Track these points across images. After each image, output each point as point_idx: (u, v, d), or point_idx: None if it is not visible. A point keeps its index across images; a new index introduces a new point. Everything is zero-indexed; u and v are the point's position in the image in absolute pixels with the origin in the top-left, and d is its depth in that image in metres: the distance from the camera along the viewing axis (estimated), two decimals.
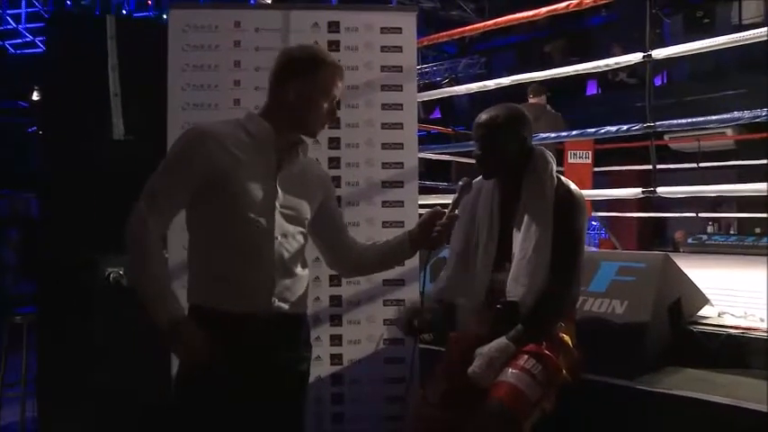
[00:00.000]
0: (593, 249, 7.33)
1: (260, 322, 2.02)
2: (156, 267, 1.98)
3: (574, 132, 4.71)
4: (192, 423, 2.02)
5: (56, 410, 3.65)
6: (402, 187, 3.48)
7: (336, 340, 3.40)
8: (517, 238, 2.54)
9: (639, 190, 3.96)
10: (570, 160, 7.70)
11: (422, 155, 5.27)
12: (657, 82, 12.24)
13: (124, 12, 11.47)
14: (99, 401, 3.49)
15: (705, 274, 4.34)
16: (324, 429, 3.35)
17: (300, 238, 2.14)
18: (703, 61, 11.07)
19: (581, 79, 13.21)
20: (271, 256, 2.04)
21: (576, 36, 14.84)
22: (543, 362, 2.35)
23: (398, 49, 3.50)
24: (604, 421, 2.73)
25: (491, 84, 4.90)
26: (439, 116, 15.62)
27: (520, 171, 2.58)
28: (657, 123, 3.85)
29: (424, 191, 4.93)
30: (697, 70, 12.21)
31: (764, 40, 3.46)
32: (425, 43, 5.65)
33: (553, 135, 4.96)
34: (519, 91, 6.26)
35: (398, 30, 3.51)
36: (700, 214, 9.32)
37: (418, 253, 2.48)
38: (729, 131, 10.19)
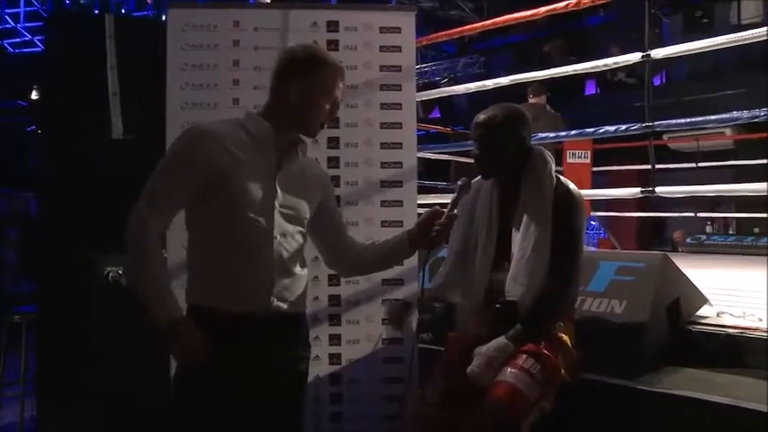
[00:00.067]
0: (593, 249, 7.34)
1: (259, 322, 2.03)
2: (156, 267, 1.98)
3: (573, 132, 4.71)
4: (191, 423, 2.02)
5: (54, 410, 3.64)
6: (401, 187, 3.48)
7: (335, 340, 3.40)
8: (516, 237, 2.54)
9: (638, 190, 3.96)
10: (569, 160, 7.70)
11: (421, 154, 5.27)
12: (656, 82, 12.23)
13: (123, 11, 11.46)
14: (98, 401, 3.48)
15: (704, 273, 4.34)
16: (322, 429, 3.35)
17: (299, 238, 2.14)
18: (702, 61, 11.06)
19: (580, 79, 13.20)
20: (270, 255, 2.04)
21: (574, 36, 14.84)
22: (542, 361, 2.36)
23: (397, 48, 3.50)
24: (603, 421, 2.72)
25: (490, 83, 4.90)
26: (438, 116, 15.62)
27: (519, 171, 2.58)
28: (656, 123, 3.85)
29: (423, 190, 4.92)
30: (696, 70, 12.20)
31: (763, 40, 3.46)
32: (424, 43, 5.64)
33: (552, 135, 4.96)
34: (518, 90, 6.26)
35: (397, 29, 3.51)
36: (698, 214, 9.33)
37: (417, 252, 2.48)
38: (728, 131, 10.20)
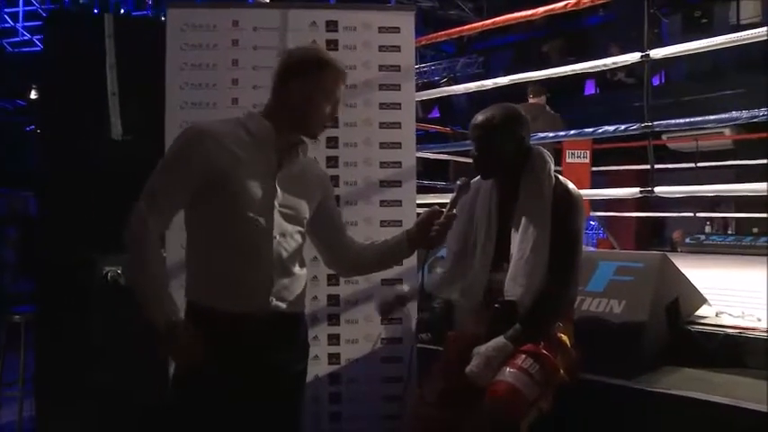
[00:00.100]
0: (592, 249, 7.34)
1: (257, 321, 2.02)
2: (155, 267, 1.98)
3: (572, 132, 4.71)
4: (190, 423, 2.02)
5: (53, 409, 3.64)
6: (400, 186, 3.48)
7: (334, 339, 3.41)
8: (515, 237, 2.54)
9: (637, 190, 3.96)
10: (568, 160, 7.70)
11: (420, 154, 5.28)
12: (655, 82, 12.22)
13: (122, 10, 11.45)
14: (97, 400, 3.48)
15: (703, 273, 4.34)
16: (322, 428, 3.36)
17: (299, 238, 2.14)
18: (701, 61, 11.06)
19: (579, 79, 13.19)
20: (269, 255, 2.04)
21: (573, 36, 14.83)
22: (541, 361, 2.36)
23: (397, 48, 3.51)
24: (602, 421, 2.72)
25: (489, 83, 4.91)
26: (437, 115, 15.61)
27: (518, 171, 2.58)
28: (655, 123, 3.85)
29: (422, 190, 4.92)
30: (695, 70, 12.20)
31: (762, 40, 3.47)
32: (424, 42, 5.65)
33: (551, 135, 4.96)
34: (517, 90, 6.25)
35: (397, 29, 3.51)
36: (697, 214, 9.33)
37: (416, 252, 2.48)
38: (727, 131, 10.20)
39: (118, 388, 3.42)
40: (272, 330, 2.05)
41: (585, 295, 3.18)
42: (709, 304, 3.42)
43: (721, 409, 2.48)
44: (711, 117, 3.79)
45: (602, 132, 4.17)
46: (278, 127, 2.07)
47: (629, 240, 10.75)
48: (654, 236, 12.26)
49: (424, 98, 7.87)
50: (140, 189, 2.00)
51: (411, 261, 3.06)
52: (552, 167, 2.60)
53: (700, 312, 3.34)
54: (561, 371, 2.41)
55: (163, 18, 3.63)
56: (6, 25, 12.26)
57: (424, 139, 8.70)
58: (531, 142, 2.69)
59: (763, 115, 3.33)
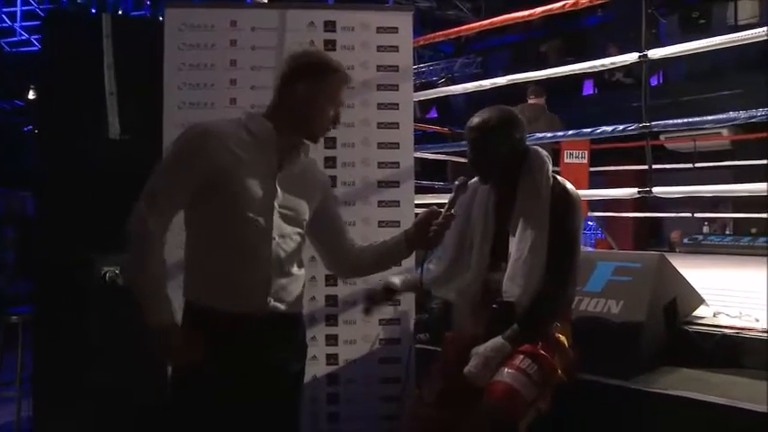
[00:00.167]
0: (590, 249, 7.35)
1: (255, 322, 2.02)
2: (155, 267, 1.98)
3: (570, 132, 4.71)
4: (188, 423, 2.02)
5: (51, 409, 3.64)
6: (398, 187, 3.48)
7: (332, 340, 3.41)
8: (513, 238, 2.54)
9: (635, 190, 3.96)
10: (566, 160, 7.71)
11: (418, 154, 5.28)
12: (654, 82, 12.24)
13: (120, 10, 11.45)
14: (95, 401, 3.48)
15: (701, 274, 4.35)
16: (319, 429, 3.36)
17: (298, 239, 2.13)
18: (699, 61, 11.08)
19: (577, 79, 13.21)
20: (268, 256, 2.04)
21: (571, 36, 14.86)
22: (539, 362, 2.36)
23: (395, 48, 3.51)
24: (600, 421, 2.73)
25: (487, 83, 4.90)
26: (435, 116, 15.63)
27: (515, 171, 2.58)
28: (653, 123, 3.85)
29: (421, 190, 4.93)
30: (693, 70, 12.23)
31: (760, 41, 3.47)
32: (422, 43, 5.65)
33: (549, 135, 4.96)
34: (515, 90, 6.26)
35: (395, 29, 3.51)
36: (696, 214, 9.33)
37: (414, 252, 2.48)
38: (725, 132, 10.20)
39: (115, 388, 3.42)
40: (271, 331, 2.05)
41: (583, 295, 3.18)
42: (707, 304, 3.42)
43: (718, 409, 2.49)
44: (709, 117, 3.80)
45: (601, 133, 4.17)
46: (280, 128, 2.07)
47: (627, 241, 10.78)
48: (652, 236, 12.29)
49: (422, 98, 7.86)
50: (139, 189, 2.00)
51: (409, 261, 3.06)
52: (550, 168, 2.60)
53: (697, 312, 3.35)
54: (559, 371, 2.41)
55: (161, 18, 3.62)
56: (4, 25, 12.27)
57: (421, 140, 8.70)
58: (529, 142, 2.69)
59: (761, 115, 3.33)
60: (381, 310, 3.35)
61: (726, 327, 3.11)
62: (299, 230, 2.14)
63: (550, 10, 4.35)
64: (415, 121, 3.74)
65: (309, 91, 2.06)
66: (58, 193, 3.73)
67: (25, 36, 12.27)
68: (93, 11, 10.76)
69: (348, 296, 3.39)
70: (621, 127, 4.00)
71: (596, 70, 4.55)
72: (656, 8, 11.80)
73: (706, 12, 12.61)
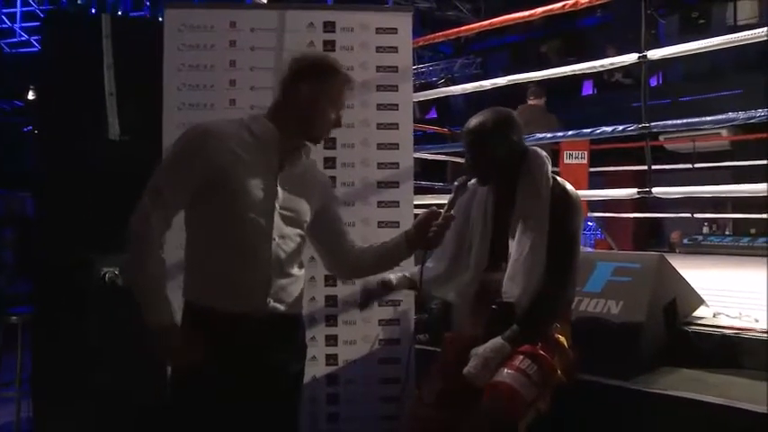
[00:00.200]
0: (589, 250, 7.35)
1: (255, 322, 2.03)
2: (154, 268, 1.98)
3: (570, 133, 4.71)
4: (188, 423, 2.02)
5: (51, 410, 3.63)
6: (398, 187, 3.48)
7: (332, 340, 3.40)
8: (513, 238, 2.54)
9: (635, 190, 3.95)
10: (566, 161, 7.72)
11: (417, 155, 5.27)
12: (653, 82, 12.25)
13: (120, 11, 11.45)
14: (94, 401, 3.48)
15: (700, 274, 4.36)
16: (319, 429, 3.35)
17: (298, 240, 2.14)
18: (699, 62, 11.10)
19: (577, 79, 13.23)
20: (267, 256, 2.04)
21: (571, 36, 14.88)
22: (538, 362, 2.35)
23: (394, 49, 3.51)
24: (599, 422, 2.73)
25: (487, 84, 4.90)
26: (435, 116, 15.65)
27: (514, 172, 2.57)
28: (653, 124, 3.84)
29: (420, 191, 4.93)
30: (692, 71, 12.24)
31: (760, 41, 3.47)
32: (421, 43, 5.64)
33: (549, 135, 4.96)
34: (515, 91, 6.26)
35: (394, 30, 3.51)
36: (695, 215, 9.34)
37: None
38: (724, 132, 10.21)
39: (115, 388, 3.42)
40: (270, 331, 2.06)
41: (583, 296, 3.17)
42: (707, 305, 3.42)
43: (718, 409, 2.48)
44: (709, 118, 3.79)
45: (600, 133, 4.17)
46: (281, 129, 2.08)
47: (627, 241, 10.76)
48: (651, 236, 12.28)
49: (422, 99, 7.85)
50: (138, 190, 2.00)
51: (409, 262, 3.05)
52: (549, 168, 2.59)
53: (697, 313, 3.35)
54: (559, 371, 2.41)
55: (160, 18, 3.62)
56: (4, 26, 12.27)
57: (421, 140, 8.71)
58: (529, 143, 2.68)
59: (760, 116, 3.33)
60: (380, 310, 3.36)
61: (725, 327, 3.11)
62: (300, 231, 2.14)
63: (550, 10, 4.35)
64: (414, 122, 3.74)
65: (312, 93, 2.07)
66: (58, 194, 3.72)
67: (25, 37, 12.28)
68: (93, 11, 10.77)
69: (348, 296, 3.39)
70: (621, 127, 4.00)
71: (596, 71, 4.54)
72: (656, 9, 11.82)
73: (705, 12, 12.63)
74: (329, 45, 3.44)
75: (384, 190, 3.46)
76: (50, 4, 11.98)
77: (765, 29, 3.38)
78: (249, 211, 2.01)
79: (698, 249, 9.31)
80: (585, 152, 7.86)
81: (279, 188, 2.07)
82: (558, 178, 2.61)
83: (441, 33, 5.53)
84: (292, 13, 3.48)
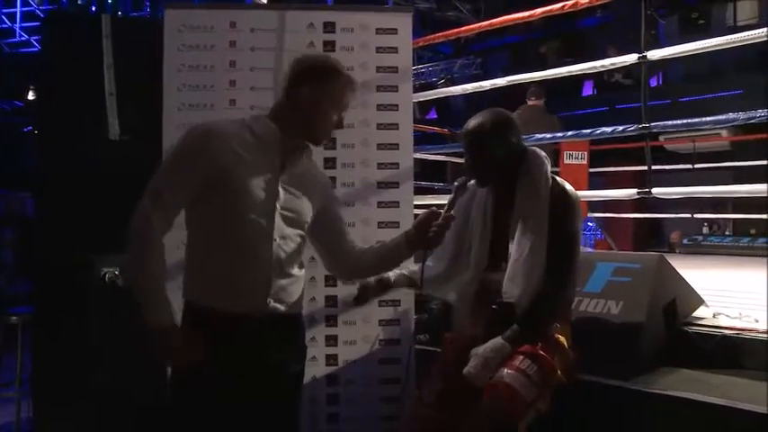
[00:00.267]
0: (589, 250, 7.35)
1: (255, 322, 2.03)
2: (155, 268, 1.98)
3: (569, 133, 4.70)
4: (188, 423, 2.02)
5: (51, 410, 3.63)
6: (398, 188, 3.48)
7: (332, 341, 3.40)
8: (512, 238, 2.54)
9: (635, 191, 3.94)
10: (566, 161, 7.71)
11: (417, 155, 5.27)
12: (653, 83, 12.25)
13: (120, 11, 11.45)
14: (94, 401, 3.48)
15: (700, 274, 4.36)
16: (319, 429, 3.36)
17: (298, 240, 2.14)
18: (698, 62, 11.11)
19: (577, 80, 13.23)
20: (268, 257, 2.04)
21: (571, 37, 14.88)
22: (538, 362, 2.35)
23: (394, 49, 3.51)
24: (599, 422, 2.73)
25: (487, 84, 4.90)
26: (435, 116, 15.65)
27: (514, 173, 2.57)
28: (653, 124, 3.84)
29: (420, 191, 4.92)
30: (692, 71, 12.24)
31: (759, 42, 3.47)
32: (421, 44, 5.64)
33: (549, 136, 4.96)
34: (514, 91, 6.26)
35: (394, 30, 3.51)
36: (695, 215, 9.34)
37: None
38: (724, 132, 10.22)
39: (115, 389, 3.42)
40: (270, 331, 2.06)
41: (583, 296, 3.18)
42: (707, 305, 3.42)
43: (718, 409, 2.49)
44: (708, 118, 3.79)
45: (600, 133, 4.17)
46: (283, 130, 2.08)
47: (627, 241, 10.77)
48: (651, 237, 12.29)
49: (422, 99, 7.86)
50: (138, 190, 2.00)
51: (409, 262, 3.05)
52: (549, 168, 2.59)
53: (697, 313, 3.35)
54: (559, 372, 2.41)
55: (160, 18, 3.62)
56: (4, 26, 12.27)
57: (421, 141, 8.71)
58: (528, 144, 2.68)
59: (761, 116, 3.33)
60: (380, 310, 3.36)
61: (725, 327, 3.11)
62: (300, 232, 2.14)
63: (550, 11, 4.35)
64: (414, 122, 3.74)
65: (314, 94, 2.07)
66: (58, 194, 3.72)
67: (25, 37, 12.28)
68: (93, 11, 10.77)
69: (348, 297, 3.37)
70: (621, 128, 4.00)
71: (596, 71, 4.54)
72: (656, 9, 11.82)
73: (705, 12, 12.64)
74: (329, 45, 3.44)
75: (384, 190, 3.47)
76: (50, 4, 11.98)
77: (765, 29, 3.38)
78: (250, 211, 2.01)
79: (698, 250, 9.31)
80: (585, 152, 7.85)
81: (280, 189, 2.07)
82: (558, 178, 2.61)
83: (441, 34, 5.52)
84: (292, 13, 3.48)
